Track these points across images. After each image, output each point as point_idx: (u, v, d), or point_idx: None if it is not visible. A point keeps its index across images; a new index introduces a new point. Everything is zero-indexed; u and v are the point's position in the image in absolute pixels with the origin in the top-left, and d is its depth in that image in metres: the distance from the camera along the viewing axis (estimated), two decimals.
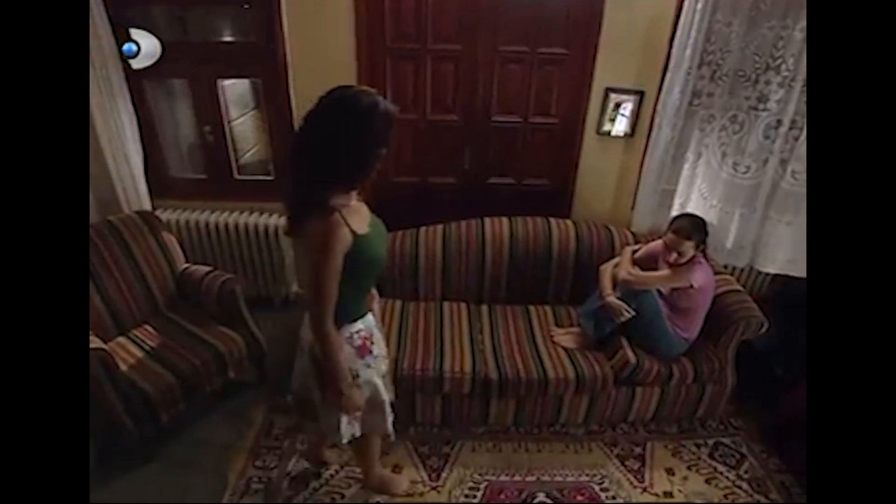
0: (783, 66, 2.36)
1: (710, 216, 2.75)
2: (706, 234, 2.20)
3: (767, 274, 2.84)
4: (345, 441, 1.61)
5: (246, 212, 2.86)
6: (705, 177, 2.69)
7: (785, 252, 2.63)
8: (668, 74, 2.44)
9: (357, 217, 1.35)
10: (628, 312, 2.22)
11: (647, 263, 2.37)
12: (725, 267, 2.79)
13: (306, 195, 1.28)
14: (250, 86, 3.38)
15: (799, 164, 2.45)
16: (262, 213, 2.85)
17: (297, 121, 1.30)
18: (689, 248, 2.14)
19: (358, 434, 1.64)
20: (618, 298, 2.26)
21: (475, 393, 2.19)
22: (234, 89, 3.17)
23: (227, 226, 2.80)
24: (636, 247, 2.45)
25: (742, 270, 2.85)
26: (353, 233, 1.30)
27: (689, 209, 2.75)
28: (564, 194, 2.84)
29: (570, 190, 2.82)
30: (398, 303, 2.54)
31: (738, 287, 2.42)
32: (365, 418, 1.63)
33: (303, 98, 2.60)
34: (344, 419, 1.55)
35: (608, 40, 2.48)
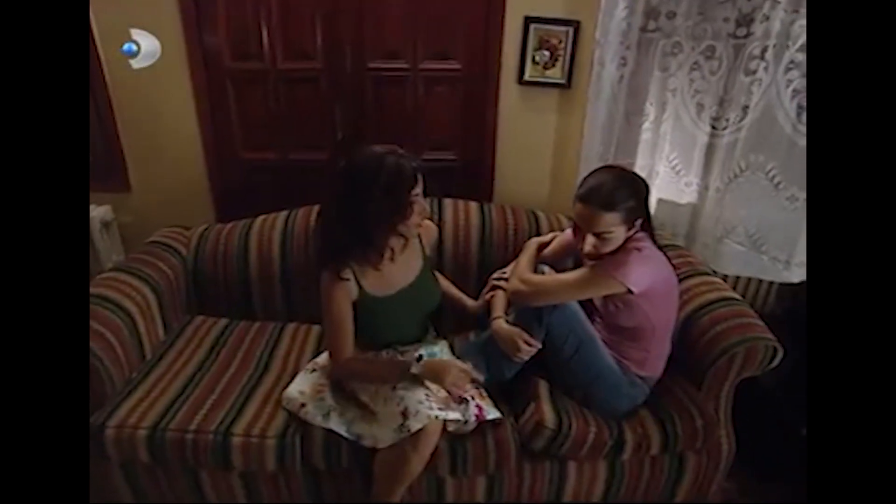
0: None
1: (686, 199, 1.92)
2: (646, 198, 1.33)
3: (772, 282, 1.97)
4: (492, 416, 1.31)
5: None
6: (675, 139, 1.87)
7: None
8: None
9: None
10: (530, 345, 1.36)
11: (567, 262, 1.52)
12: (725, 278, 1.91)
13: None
14: None
15: None
16: None
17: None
18: (611, 225, 1.26)
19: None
20: (513, 322, 1.40)
21: (291, 470, 1.33)
22: None
23: None
24: (547, 237, 1.58)
25: (737, 277, 1.97)
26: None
27: (655, 190, 1.91)
28: (481, 171, 2.03)
29: (487, 165, 2.02)
30: (221, 323, 1.72)
31: (732, 293, 1.55)
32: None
33: (108, 37, 1.86)
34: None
35: None
